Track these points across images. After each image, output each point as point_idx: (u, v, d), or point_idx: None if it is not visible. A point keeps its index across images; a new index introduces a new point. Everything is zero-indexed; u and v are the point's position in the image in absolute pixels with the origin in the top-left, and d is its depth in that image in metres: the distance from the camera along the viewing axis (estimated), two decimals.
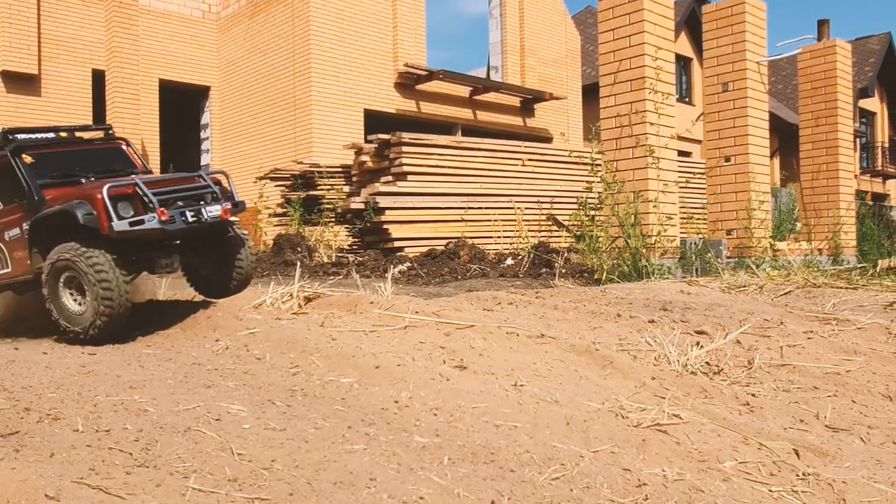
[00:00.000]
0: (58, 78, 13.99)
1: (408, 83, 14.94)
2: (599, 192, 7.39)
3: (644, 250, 6.60)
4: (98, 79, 13.92)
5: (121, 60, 12.97)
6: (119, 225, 4.02)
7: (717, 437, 3.37)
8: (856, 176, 18.00)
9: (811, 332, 4.95)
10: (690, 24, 23.12)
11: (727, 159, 7.62)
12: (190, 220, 4.24)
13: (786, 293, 6.56)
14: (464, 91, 16.08)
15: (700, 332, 4.97)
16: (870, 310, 5.82)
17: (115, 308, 4.00)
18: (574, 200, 9.85)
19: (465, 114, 16.33)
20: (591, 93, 16.25)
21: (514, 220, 9.95)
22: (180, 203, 4.31)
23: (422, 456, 2.59)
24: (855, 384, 4.07)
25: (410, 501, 1.93)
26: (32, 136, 4.95)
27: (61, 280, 4.22)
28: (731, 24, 7.46)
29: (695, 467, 3.03)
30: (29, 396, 2.90)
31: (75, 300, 4.25)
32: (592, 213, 7.71)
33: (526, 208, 10.27)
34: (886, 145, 29.43)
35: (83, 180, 4.76)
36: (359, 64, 14.24)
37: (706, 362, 4.49)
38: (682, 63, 23.88)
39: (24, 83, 13.66)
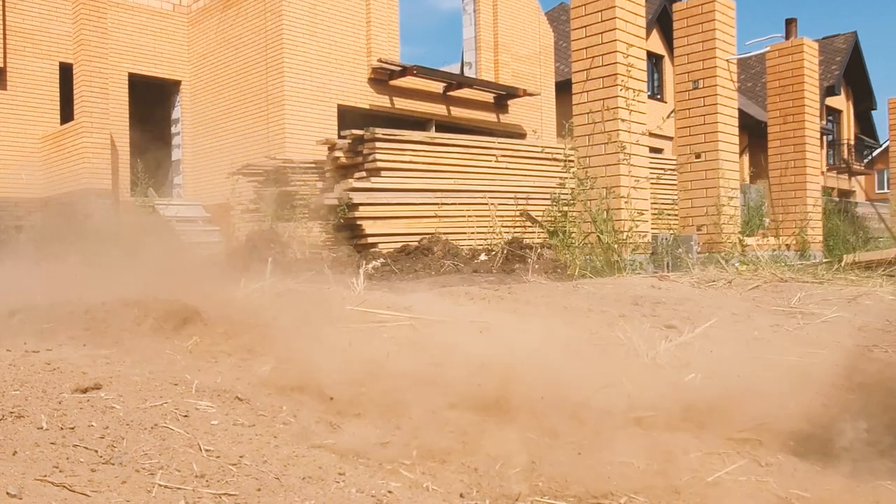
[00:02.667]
0: (24, 71, 13.72)
1: (381, 79, 14.89)
2: (572, 188, 7.44)
3: (616, 246, 6.65)
4: (66, 72, 13.67)
5: (89, 53, 12.74)
6: None
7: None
8: (822, 173, 18.33)
9: (777, 325, 5.03)
10: (662, 21, 23.35)
11: (697, 156, 7.71)
12: None
13: (754, 287, 6.66)
14: (437, 87, 16.07)
15: (669, 327, 5.03)
16: (835, 304, 5.94)
17: None
18: (547, 196, 9.90)
19: (438, 110, 16.32)
20: (564, 89, 16.32)
21: (488, 216, 9.97)
22: None
23: (391, 450, 2.60)
24: (818, 376, 4.15)
25: (379, 495, 1.94)
26: None
27: None
28: (702, 22, 7.55)
29: (661, 458, 3.07)
30: None
31: None
32: (565, 208, 7.77)
33: (500, 204, 10.30)
34: (852, 142, 30.00)
35: None
36: (332, 59, 14.15)
37: (675, 356, 4.54)
38: (654, 60, 24.10)
39: None
